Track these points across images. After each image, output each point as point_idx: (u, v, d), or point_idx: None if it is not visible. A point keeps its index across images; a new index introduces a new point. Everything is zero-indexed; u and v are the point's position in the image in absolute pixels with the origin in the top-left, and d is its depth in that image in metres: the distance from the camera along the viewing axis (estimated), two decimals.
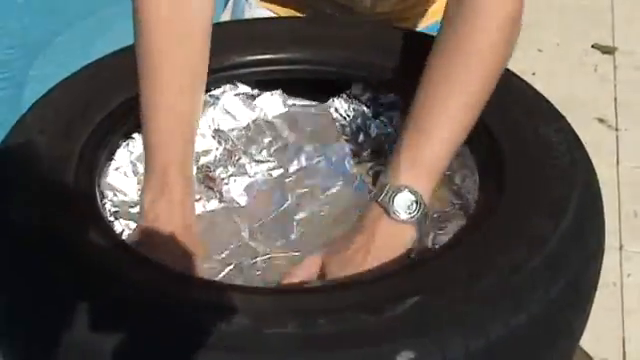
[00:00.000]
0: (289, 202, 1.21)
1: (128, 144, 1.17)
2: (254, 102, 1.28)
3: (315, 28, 1.34)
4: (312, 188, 1.23)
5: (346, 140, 1.29)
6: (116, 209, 1.13)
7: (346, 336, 0.78)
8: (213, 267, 1.12)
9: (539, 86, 1.15)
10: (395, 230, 1.02)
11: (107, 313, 0.82)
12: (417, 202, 1.01)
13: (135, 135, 1.17)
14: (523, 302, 0.83)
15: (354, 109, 1.28)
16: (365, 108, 1.28)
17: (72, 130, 1.07)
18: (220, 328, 0.79)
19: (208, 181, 1.24)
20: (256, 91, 1.29)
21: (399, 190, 1.01)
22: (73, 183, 0.99)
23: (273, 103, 1.29)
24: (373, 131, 1.28)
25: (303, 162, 1.25)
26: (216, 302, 0.82)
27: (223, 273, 1.11)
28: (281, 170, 1.25)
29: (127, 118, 1.12)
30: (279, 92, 1.29)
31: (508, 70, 1.18)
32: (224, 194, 1.22)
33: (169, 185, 1.05)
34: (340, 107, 1.29)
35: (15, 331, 0.88)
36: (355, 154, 1.28)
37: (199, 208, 1.19)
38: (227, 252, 1.14)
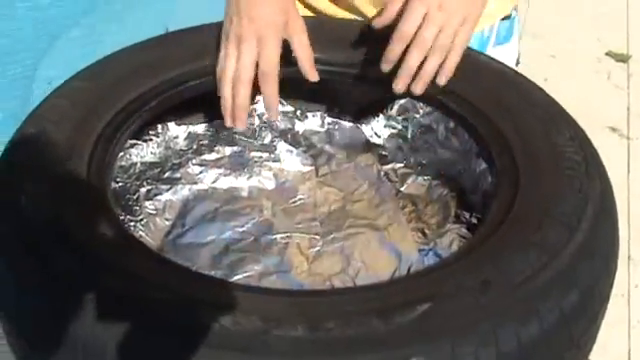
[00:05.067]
0: (314, 195, 1.24)
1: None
2: (295, 120, 1.33)
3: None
4: (338, 188, 1.26)
5: (377, 152, 1.34)
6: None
7: (355, 341, 0.78)
8: (234, 238, 1.15)
9: (551, 92, 1.15)
10: None
11: (114, 308, 0.82)
12: None
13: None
14: (535, 313, 0.82)
15: (390, 130, 1.31)
16: (400, 130, 1.29)
17: (86, 122, 1.07)
18: (229, 328, 0.78)
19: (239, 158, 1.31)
20: (299, 112, 1.33)
21: None
22: (85, 175, 0.99)
23: (313, 123, 1.34)
24: (405, 147, 1.31)
25: (333, 167, 1.29)
26: (225, 301, 0.82)
27: (241, 244, 1.14)
28: (312, 168, 1.28)
29: (142, 112, 1.12)
30: (320, 114, 1.34)
31: (524, 77, 1.18)
32: (254, 175, 1.25)
33: None
34: (375, 127, 1.33)
35: (22, 321, 0.88)
36: (383, 161, 1.32)
37: (227, 182, 1.23)
38: (248, 225, 1.18)
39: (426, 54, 1.08)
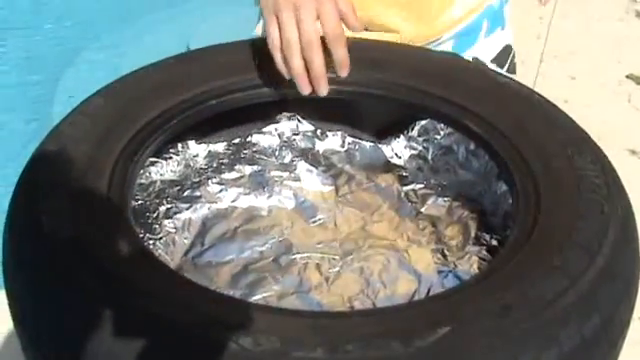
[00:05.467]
0: (334, 216, 1.24)
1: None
2: (315, 140, 1.33)
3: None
4: (358, 208, 1.26)
5: (397, 173, 1.33)
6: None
7: None
8: (253, 257, 1.15)
9: (571, 114, 1.15)
10: None
11: (133, 326, 0.82)
12: None
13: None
14: (555, 338, 0.81)
15: (411, 151, 1.31)
16: (420, 151, 1.30)
17: (107, 140, 1.07)
18: (248, 349, 0.78)
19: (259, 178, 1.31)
20: (319, 131, 1.33)
21: None
22: (106, 193, 0.99)
23: (333, 142, 1.34)
24: (425, 168, 1.30)
25: (353, 187, 1.29)
26: (244, 322, 0.81)
27: (260, 264, 1.14)
28: (332, 188, 1.28)
29: (162, 131, 1.12)
30: (340, 133, 1.34)
31: (545, 99, 1.18)
32: (274, 194, 1.26)
33: None
34: (396, 147, 1.32)
35: (40, 338, 0.88)
36: (404, 182, 1.32)
37: (246, 201, 1.24)
38: (267, 245, 1.19)
39: None
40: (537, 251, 0.91)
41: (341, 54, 1.11)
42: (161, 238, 1.20)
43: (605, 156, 1.08)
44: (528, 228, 0.95)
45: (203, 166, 1.29)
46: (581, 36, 3.46)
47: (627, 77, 3.32)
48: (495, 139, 1.11)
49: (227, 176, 1.30)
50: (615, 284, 0.90)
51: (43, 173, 1.02)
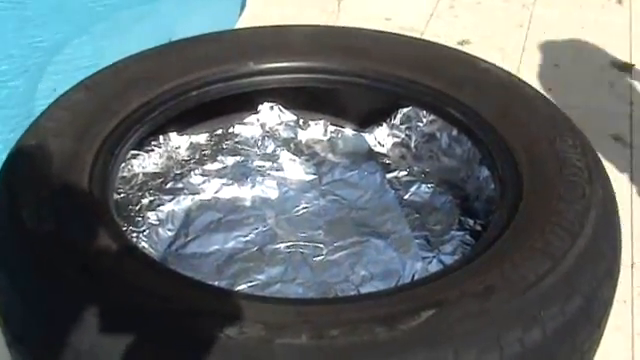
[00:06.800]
0: (318, 204, 1.25)
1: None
2: (297, 129, 1.33)
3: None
4: (342, 196, 1.26)
5: (381, 161, 1.34)
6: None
7: (359, 348, 0.77)
8: (238, 247, 1.16)
9: (555, 101, 1.15)
10: None
11: (118, 319, 0.82)
12: None
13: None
14: (538, 318, 0.82)
15: (394, 139, 1.31)
16: (403, 138, 1.30)
17: (87, 133, 1.07)
18: (233, 337, 0.78)
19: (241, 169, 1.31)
20: (301, 120, 1.33)
21: None
22: (87, 187, 0.99)
23: (315, 132, 1.33)
24: (408, 156, 1.30)
25: (337, 175, 1.29)
26: (230, 311, 0.82)
27: (245, 254, 1.15)
28: (316, 177, 1.29)
29: (143, 123, 1.12)
30: (322, 122, 1.35)
31: (528, 85, 1.18)
32: (257, 184, 1.26)
33: None
34: (379, 135, 1.33)
35: (25, 333, 0.87)
36: (387, 169, 1.33)
37: (230, 192, 1.25)
38: (252, 235, 1.19)
39: None
40: (519, 234, 0.92)
41: None
42: (144, 231, 1.20)
43: (586, 139, 1.09)
44: (510, 212, 0.95)
45: (185, 158, 1.29)
46: (563, 24, 3.46)
47: (610, 64, 3.32)
48: (477, 125, 1.12)
49: (210, 167, 1.30)
50: (596, 265, 0.91)
51: (23, 168, 1.02)
